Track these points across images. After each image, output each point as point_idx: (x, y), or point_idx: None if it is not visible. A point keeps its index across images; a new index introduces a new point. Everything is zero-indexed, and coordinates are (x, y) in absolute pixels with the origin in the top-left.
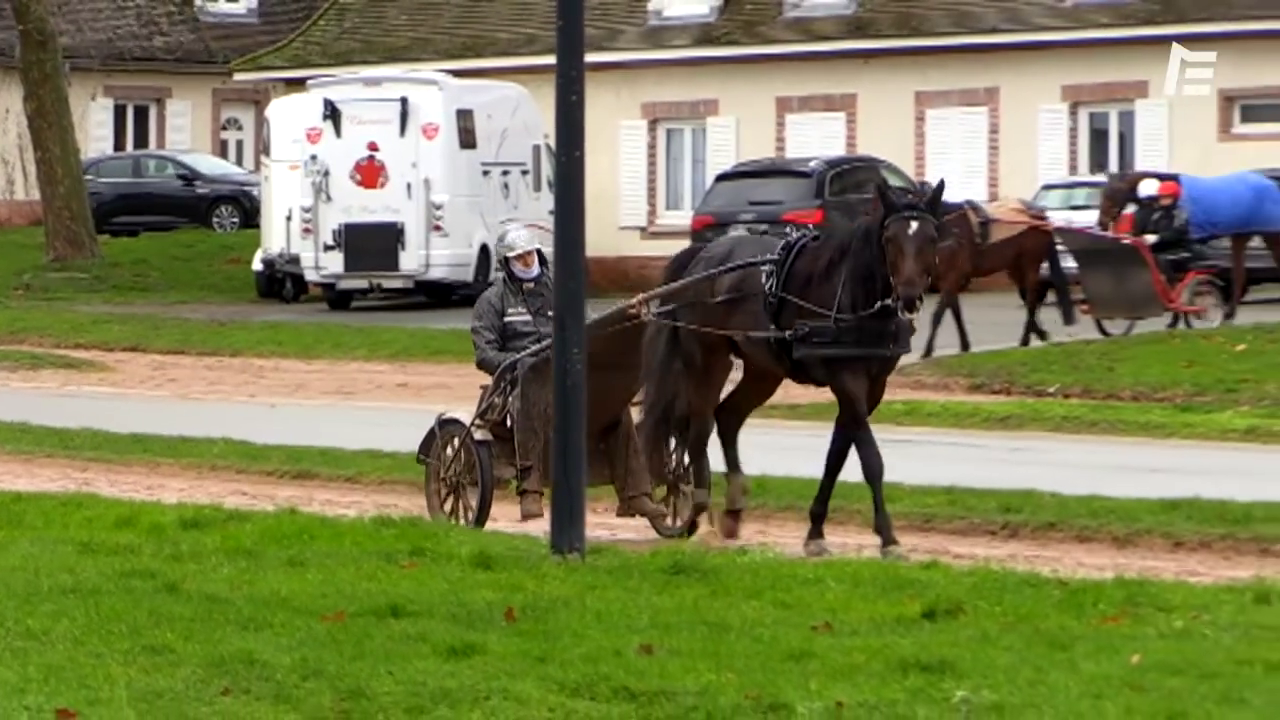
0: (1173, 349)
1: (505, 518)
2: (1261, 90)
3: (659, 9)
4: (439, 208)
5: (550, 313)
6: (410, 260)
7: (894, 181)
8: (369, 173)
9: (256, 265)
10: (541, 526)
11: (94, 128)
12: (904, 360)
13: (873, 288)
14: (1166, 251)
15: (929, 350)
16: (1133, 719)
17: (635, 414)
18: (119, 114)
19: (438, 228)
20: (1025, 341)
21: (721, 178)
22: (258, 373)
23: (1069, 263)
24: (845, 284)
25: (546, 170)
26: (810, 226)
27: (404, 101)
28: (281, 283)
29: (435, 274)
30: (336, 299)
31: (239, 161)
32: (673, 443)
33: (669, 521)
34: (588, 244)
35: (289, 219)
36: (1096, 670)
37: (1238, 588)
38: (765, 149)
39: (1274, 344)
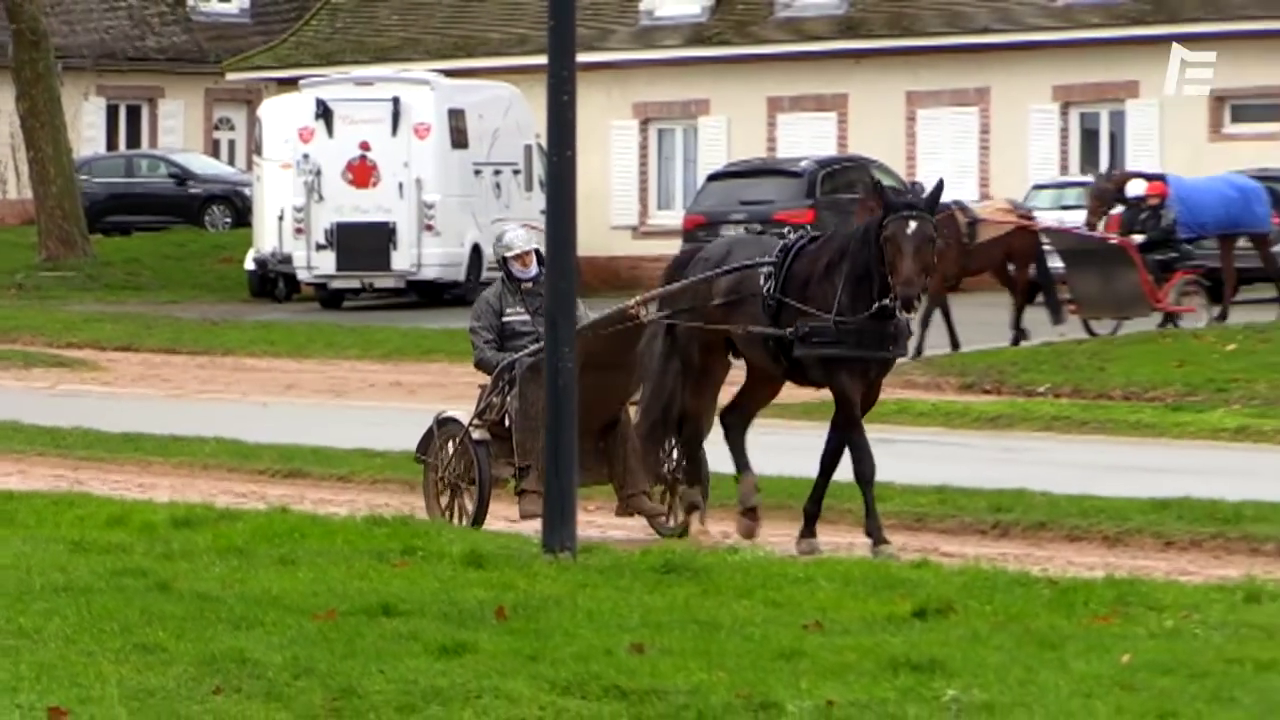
0: (1163, 349)
1: (504, 517)
2: (1252, 90)
3: (650, 9)
4: (431, 207)
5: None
6: (402, 260)
7: (885, 181)
8: (361, 172)
9: (249, 265)
10: (534, 525)
11: (86, 127)
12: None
13: (871, 288)
14: (1154, 251)
15: (919, 351)
16: (1123, 718)
17: (634, 413)
18: (111, 113)
19: (429, 227)
20: (1015, 341)
21: (713, 177)
22: (250, 372)
23: (1056, 262)
24: (844, 285)
25: (538, 170)
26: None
27: (396, 101)
28: (274, 282)
29: (427, 273)
30: (328, 298)
31: (231, 161)
32: (670, 443)
33: (667, 521)
34: (579, 243)
35: (281, 218)
36: (1087, 669)
37: (1228, 587)
38: (756, 149)
39: (1264, 344)
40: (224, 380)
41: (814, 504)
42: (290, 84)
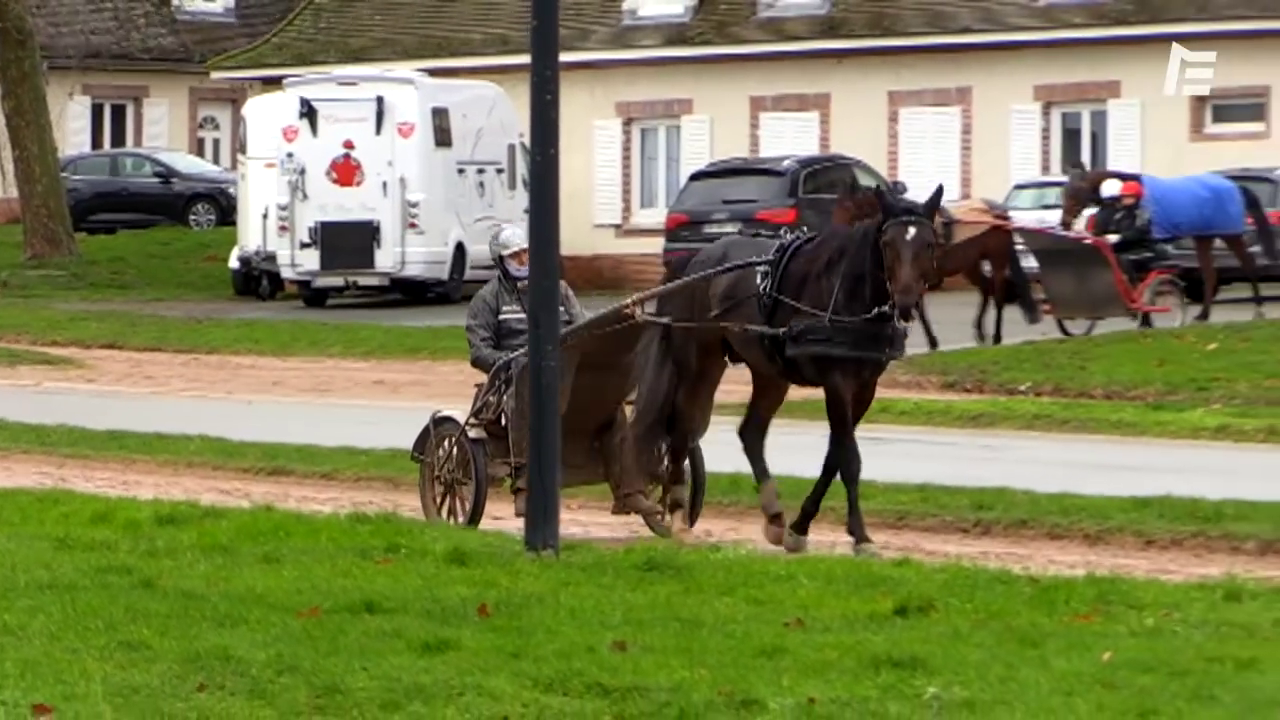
0: (1144, 348)
1: (490, 515)
2: (1234, 90)
3: (633, 9)
4: (414, 206)
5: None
6: (386, 258)
7: (866, 181)
8: (345, 171)
9: (233, 263)
10: (516, 524)
11: (71, 126)
12: None
13: (868, 290)
14: (1128, 251)
15: (934, 343)
16: (1103, 716)
17: (629, 413)
18: (96, 112)
19: (413, 226)
20: (997, 339)
21: (695, 177)
22: (234, 370)
23: (1030, 262)
24: (841, 284)
25: (521, 169)
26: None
27: (380, 100)
28: (258, 280)
29: (410, 272)
30: (312, 296)
31: (216, 160)
32: (665, 443)
33: (663, 519)
34: (562, 242)
35: (265, 217)
36: (1068, 667)
37: (1209, 585)
38: (739, 148)
39: (1245, 343)
40: (208, 378)
41: (813, 504)
42: (275, 83)
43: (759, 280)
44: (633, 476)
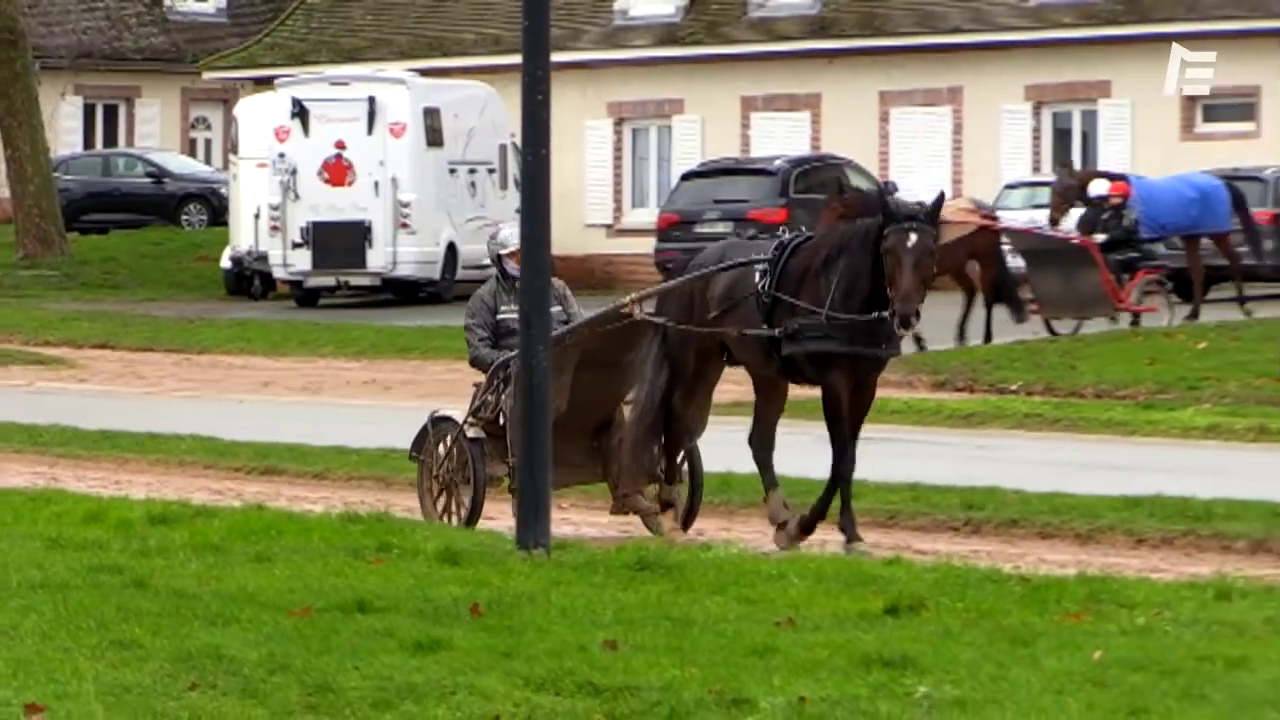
0: (1135, 347)
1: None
2: (1224, 90)
3: (624, 9)
4: (406, 206)
5: (549, 310)
6: (377, 258)
7: (857, 181)
8: (336, 171)
9: (225, 263)
10: (507, 523)
11: (64, 126)
12: None
13: (866, 289)
14: (1115, 251)
15: (961, 337)
16: (1094, 715)
17: (627, 413)
18: (89, 113)
19: (405, 226)
20: (987, 339)
21: (687, 176)
22: (226, 370)
23: (1017, 262)
24: (839, 281)
25: (513, 169)
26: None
27: (371, 100)
28: (250, 280)
29: (402, 272)
30: (304, 296)
31: (208, 160)
32: (664, 443)
33: (675, 520)
34: (554, 242)
35: (257, 217)
36: (1058, 666)
37: (1199, 584)
38: (730, 148)
39: (1235, 342)
40: (200, 378)
41: (822, 506)
42: (266, 83)
43: (758, 279)
44: (631, 476)
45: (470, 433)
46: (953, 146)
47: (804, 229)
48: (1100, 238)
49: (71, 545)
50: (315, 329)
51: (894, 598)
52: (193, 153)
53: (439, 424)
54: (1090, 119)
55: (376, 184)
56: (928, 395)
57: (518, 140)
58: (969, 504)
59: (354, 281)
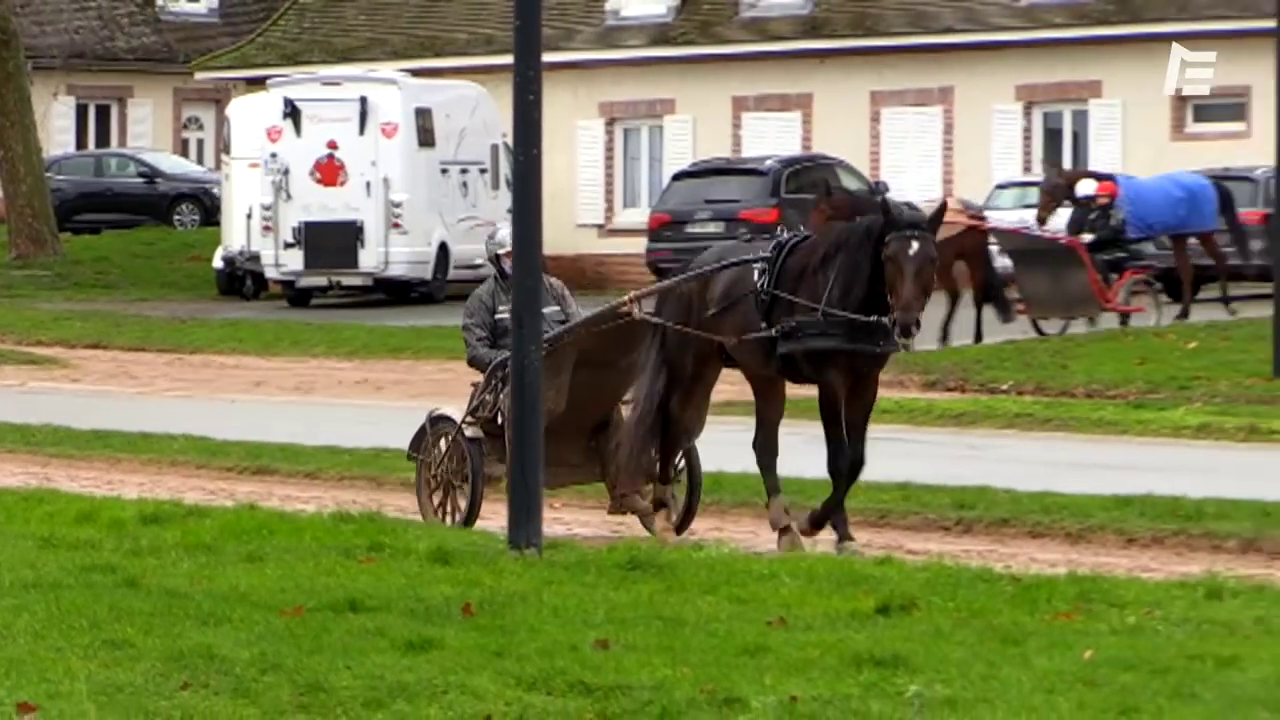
0: (1125, 347)
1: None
2: (1215, 90)
3: (616, 9)
4: (398, 206)
5: (542, 309)
6: (369, 258)
7: (848, 181)
8: (328, 171)
9: (217, 263)
10: (499, 522)
11: (56, 126)
12: None
13: (863, 289)
14: (1102, 251)
15: (979, 336)
16: (1085, 714)
17: (625, 412)
18: (81, 113)
19: (397, 226)
20: (977, 339)
21: (678, 176)
22: (218, 369)
23: (1005, 262)
24: (835, 280)
25: (505, 169)
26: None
27: (363, 101)
28: (242, 280)
29: (394, 272)
30: (296, 296)
31: (200, 160)
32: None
33: (669, 520)
34: (545, 242)
35: (249, 217)
36: (1049, 665)
37: (1189, 584)
38: (721, 148)
39: (1226, 342)
40: (192, 378)
41: (828, 506)
42: (258, 84)
43: (756, 277)
44: (629, 477)
45: (469, 432)
46: (944, 146)
47: (801, 228)
48: (1087, 238)
49: (64, 545)
50: (307, 329)
51: (885, 597)
52: (185, 153)
53: (437, 423)
54: (1081, 119)
55: (368, 184)
56: (919, 395)
57: (509, 140)
58: (960, 503)
59: (346, 281)
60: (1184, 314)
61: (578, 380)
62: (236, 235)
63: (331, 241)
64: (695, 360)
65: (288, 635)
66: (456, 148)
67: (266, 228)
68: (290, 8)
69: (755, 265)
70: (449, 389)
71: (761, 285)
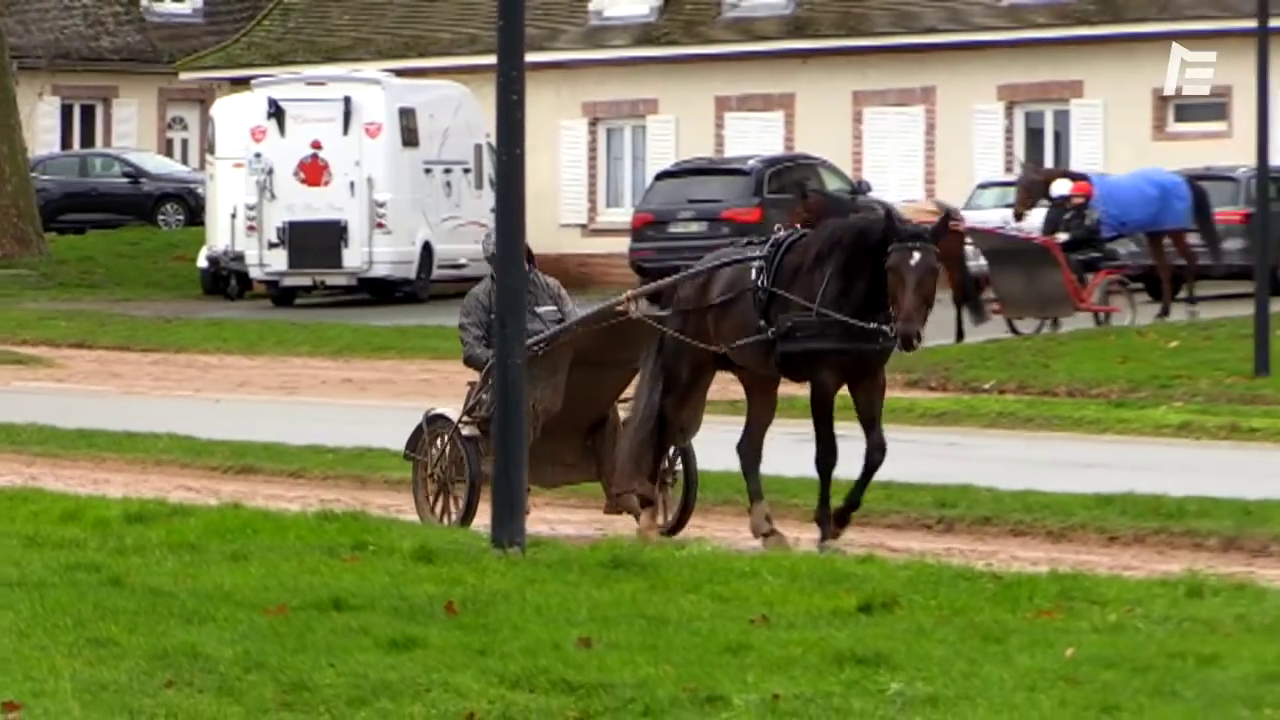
0: (1107, 345)
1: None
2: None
3: (599, 9)
4: (382, 206)
5: (538, 309)
6: (353, 258)
7: (830, 181)
8: (312, 171)
9: (201, 262)
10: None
11: (41, 126)
12: None
13: (861, 293)
14: (1077, 251)
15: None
16: (1066, 711)
17: (623, 411)
18: (66, 113)
19: (380, 225)
20: (959, 338)
21: (661, 176)
22: (202, 369)
23: (979, 262)
24: (830, 280)
25: (488, 169)
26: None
27: (347, 101)
28: (226, 280)
29: (378, 271)
30: (280, 296)
31: (184, 160)
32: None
33: (656, 519)
34: (528, 242)
35: (234, 217)
36: (1030, 663)
37: (1171, 582)
38: (704, 148)
39: (1207, 341)
40: (177, 377)
41: (850, 503)
42: (243, 84)
43: (754, 275)
44: (626, 477)
45: (465, 431)
46: (925, 146)
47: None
48: (1062, 237)
49: (49, 543)
50: (291, 328)
51: (867, 595)
52: (169, 153)
53: (434, 423)
54: (1063, 119)
55: (352, 184)
56: (901, 394)
57: (493, 140)
58: (942, 502)
59: (330, 281)
60: (1164, 313)
61: (574, 379)
62: (221, 235)
63: (315, 241)
64: (692, 367)
65: (271, 634)
66: (440, 147)
67: (251, 227)
68: (275, 8)
69: (753, 264)
70: (434, 388)
71: (760, 283)
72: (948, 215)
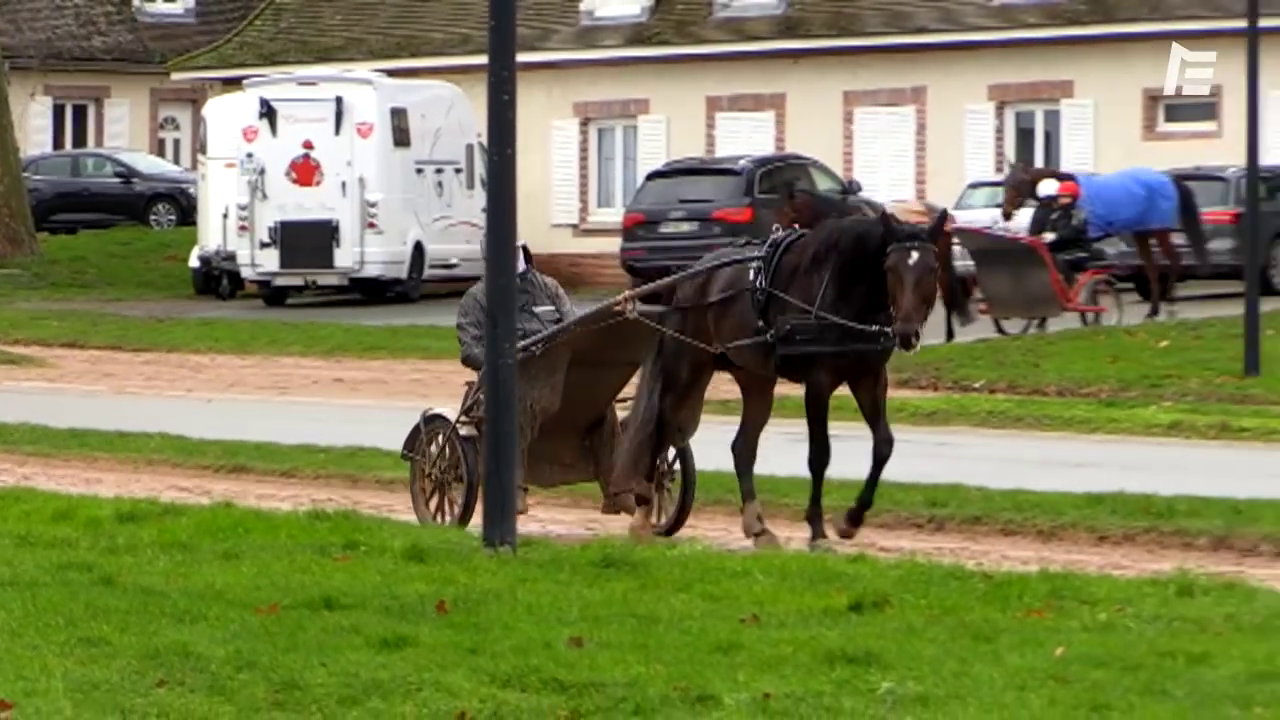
0: (1097, 345)
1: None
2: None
3: (591, 9)
4: (373, 206)
5: (535, 308)
6: (345, 257)
7: (821, 181)
8: (304, 171)
9: (193, 262)
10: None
11: (33, 126)
12: None
13: (861, 295)
14: (1064, 251)
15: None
16: (1056, 710)
17: (621, 411)
18: (58, 113)
19: (372, 225)
20: (949, 337)
21: (652, 176)
22: (194, 368)
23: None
24: (829, 283)
25: (479, 169)
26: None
27: (339, 101)
28: (218, 279)
29: (370, 271)
30: (272, 296)
31: (176, 160)
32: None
33: (654, 519)
34: (526, 241)
35: (225, 216)
36: (1021, 662)
37: (1161, 581)
38: (695, 148)
39: (1197, 340)
40: (169, 377)
41: (862, 501)
42: (235, 84)
43: (752, 276)
44: (624, 476)
45: (463, 431)
46: (916, 146)
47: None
48: (1049, 237)
49: (40, 543)
50: (283, 328)
51: (858, 594)
52: (161, 153)
53: (431, 422)
54: (1053, 118)
55: (344, 184)
56: (891, 393)
57: (484, 140)
58: (932, 501)
59: (321, 281)
60: (1154, 313)
61: (572, 379)
62: (213, 235)
63: (307, 241)
64: (691, 367)
65: (263, 633)
66: (432, 147)
67: (242, 227)
68: (267, 8)
69: (751, 264)
70: (425, 388)
71: (758, 284)
72: (943, 215)
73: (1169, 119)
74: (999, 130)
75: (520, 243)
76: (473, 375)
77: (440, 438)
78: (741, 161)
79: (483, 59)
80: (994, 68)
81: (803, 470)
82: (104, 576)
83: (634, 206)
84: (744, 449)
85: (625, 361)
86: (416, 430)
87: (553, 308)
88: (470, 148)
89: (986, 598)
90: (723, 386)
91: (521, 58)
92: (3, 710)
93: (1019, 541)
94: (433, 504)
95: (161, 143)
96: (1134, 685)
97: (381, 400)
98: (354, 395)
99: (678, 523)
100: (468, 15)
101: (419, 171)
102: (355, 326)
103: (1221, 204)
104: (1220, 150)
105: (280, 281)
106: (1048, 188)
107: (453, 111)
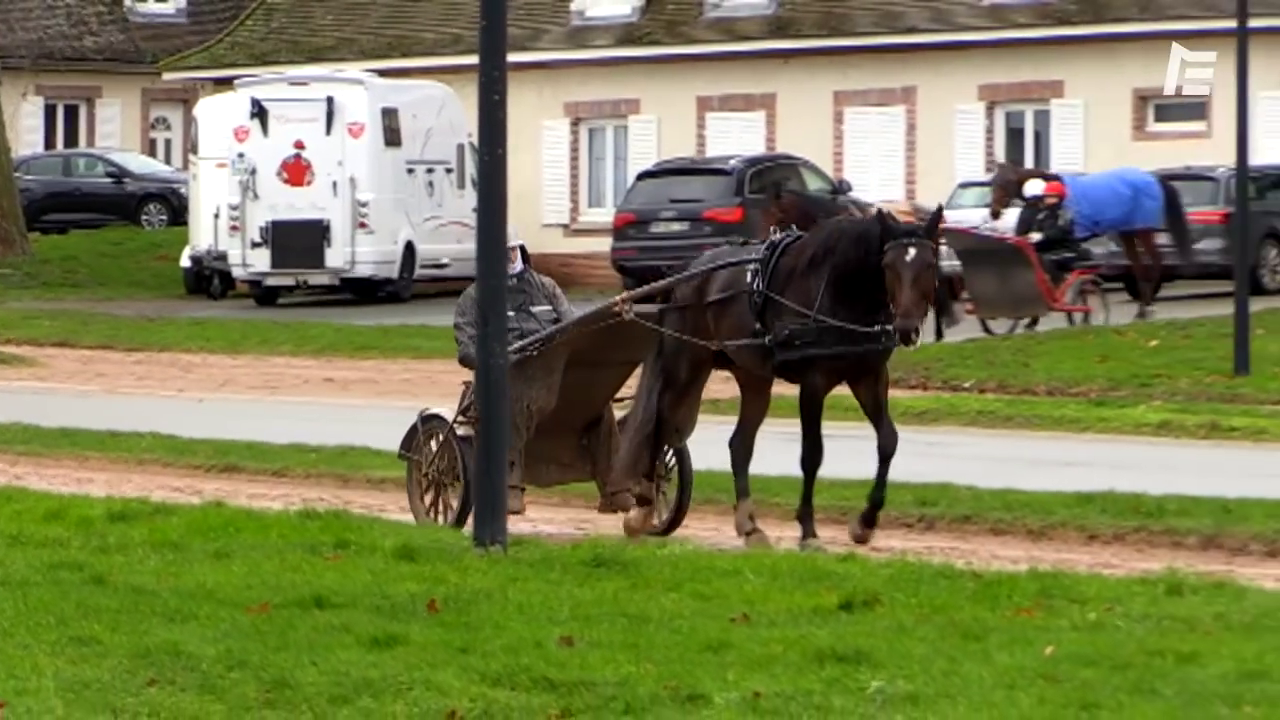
0: (1087, 344)
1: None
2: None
3: (582, 9)
4: (364, 205)
5: (533, 308)
6: (336, 257)
7: (811, 181)
8: (295, 171)
9: (184, 262)
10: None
11: (25, 126)
12: None
13: (860, 296)
14: (1051, 251)
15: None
16: (1046, 709)
17: (618, 411)
18: (49, 113)
19: (363, 225)
20: (939, 336)
21: (643, 176)
22: (185, 368)
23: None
24: (827, 285)
25: (470, 169)
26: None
27: (330, 101)
28: (209, 279)
29: (361, 271)
30: (263, 295)
31: (168, 160)
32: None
33: (652, 519)
34: (522, 241)
35: (217, 216)
36: (1010, 661)
37: (1150, 580)
38: (686, 148)
39: (1186, 340)
40: (160, 376)
41: (874, 501)
42: (226, 84)
43: (749, 278)
44: (623, 476)
45: (460, 431)
46: (906, 146)
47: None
48: (1036, 237)
49: (32, 542)
50: (274, 328)
51: (848, 593)
52: (153, 153)
53: (428, 422)
54: (1043, 118)
55: (335, 184)
56: None
57: (475, 140)
58: (922, 500)
59: (313, 281)
60: (1143, 313)
61: (569, 379)
62: (204, 235)
63: (298, 241)
64: (690, 366)
65: (254, 632)
66: (423, 147)
67: (234, 227)
68: (258, 8)
69: (749, 267)
70: (416, 388)
71: (755, 286)
72: (939, 211)
73: (1159, 119)
74: (989, 130)
75: (520, 242)
76: (470, 375)
77: (437, 438)
78: (732, 161)
79: (474, 59)
80: (984, 68)
81: (793, 469)
82: (95, 576)
83: (625, 206)
84: (740, 446)
85: (623, 361)
86: (414, 430)
87: (550, 307)
88: (461, 148)
89: (976, 597)
90: (712, 386)
91: (512, 58)
92: None
93: (1009, 541)
94: (429, 503)
95: (153, 143)
96: (1123, 684)
97: (372, 400)
98: (345, 395)
99: (674, 523)
100: (459, 15)
101: (410, 171)
102: (346, 326)
103: (1211, 204)
104: (1210, 150)
105: (271, 281)
106: (1034, 188)
107: (444, 111)
